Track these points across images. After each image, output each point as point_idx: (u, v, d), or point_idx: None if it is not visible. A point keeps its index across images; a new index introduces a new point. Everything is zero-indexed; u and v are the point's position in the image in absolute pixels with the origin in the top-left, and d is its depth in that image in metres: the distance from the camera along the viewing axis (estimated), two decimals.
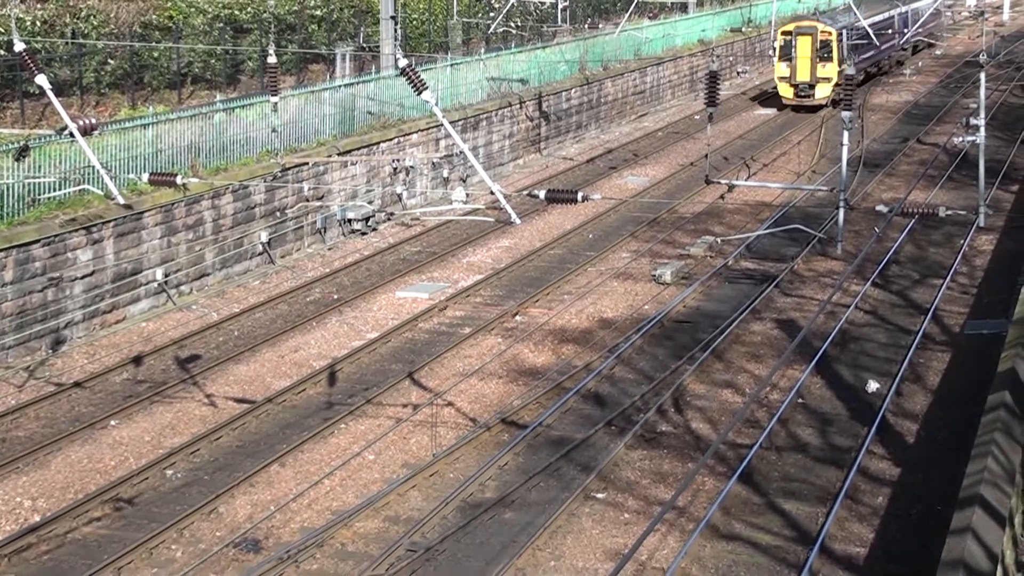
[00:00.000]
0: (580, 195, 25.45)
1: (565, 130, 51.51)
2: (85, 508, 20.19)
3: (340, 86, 39.07)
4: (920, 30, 72.96)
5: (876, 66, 67.59)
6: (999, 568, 14.75)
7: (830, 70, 58.12)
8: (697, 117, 56.53)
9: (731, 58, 68.77)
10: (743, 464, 21.59)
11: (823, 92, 58.49)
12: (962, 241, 35.72)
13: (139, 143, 30.85)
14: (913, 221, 36.39)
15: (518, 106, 47.42)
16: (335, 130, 37.80)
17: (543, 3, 61.05)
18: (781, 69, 58.95)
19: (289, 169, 34.56)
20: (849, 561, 18.92)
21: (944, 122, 54.64)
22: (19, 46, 23.06)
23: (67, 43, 39.30)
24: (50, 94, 23.80)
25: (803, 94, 58.75)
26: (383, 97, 39.96)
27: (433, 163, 41.38)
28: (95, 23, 40.35)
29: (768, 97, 62.17)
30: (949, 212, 27.55)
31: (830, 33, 58.07)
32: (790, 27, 59.26)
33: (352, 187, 37.45)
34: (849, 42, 59.18)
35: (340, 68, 46.37)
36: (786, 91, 59.12)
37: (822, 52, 58.23)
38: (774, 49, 53.70)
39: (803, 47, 58.40)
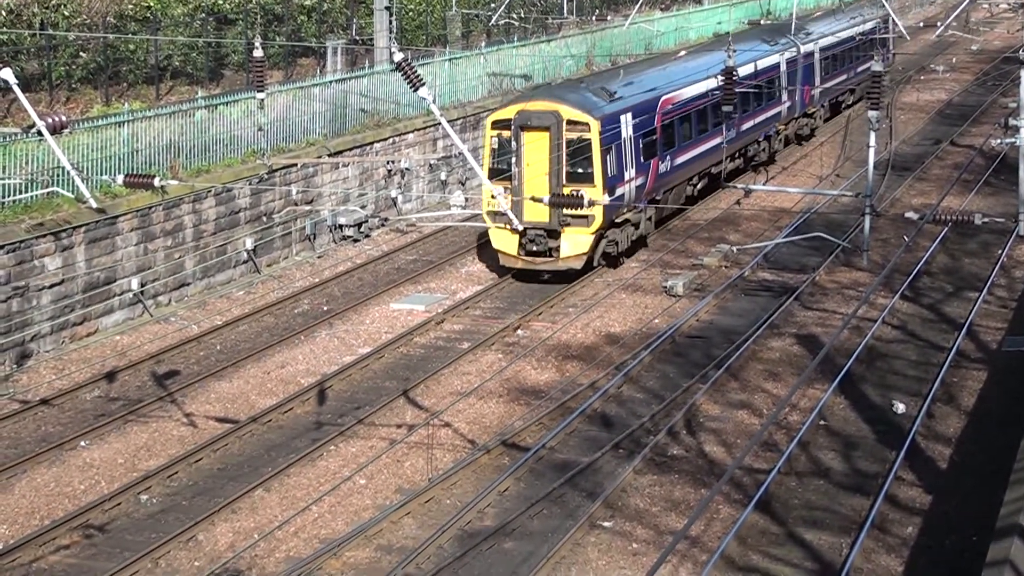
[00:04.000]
0: (586, 199, 25.53)
1: None
2: (52, 535, 20.17)
3: (331, 82, 39.13)
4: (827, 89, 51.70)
5: (724, 166, 41.24)
6: None
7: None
8: None
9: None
10: (761, 491, 21.55)
11: (576, 245, 32.43)
12: (1000, 251, 35.69)
13: (113, 142, 30.88)
14: (946, 229, 36.40)
15: None
16: (326, 129, 37.85)
17: None
18: (493, 198, 32.12)
19: (276, 171, 34.59)
20: None
21: (980, 123, 54.66)
22: None
23: (35, 34, 39.32)
24: (16, 89, 23.84)
25: (538, 249, 32.61)
26: (377, 94, 40.01)
27: (430, 165, 41.41)
28: (66, 13, 40.38)
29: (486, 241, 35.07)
30: (986, 219, 27.58)
31: (587, 124, 32.20)
32: (509, 112, 32.85)
33: (344, 190, 37.47)
34: (639, 132, 34.29)
35: (331, 62, 46.43)
36: (506, 242, 32.91)
37: (573, 163, 32.30)
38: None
39: (535, 153, 32.24)
